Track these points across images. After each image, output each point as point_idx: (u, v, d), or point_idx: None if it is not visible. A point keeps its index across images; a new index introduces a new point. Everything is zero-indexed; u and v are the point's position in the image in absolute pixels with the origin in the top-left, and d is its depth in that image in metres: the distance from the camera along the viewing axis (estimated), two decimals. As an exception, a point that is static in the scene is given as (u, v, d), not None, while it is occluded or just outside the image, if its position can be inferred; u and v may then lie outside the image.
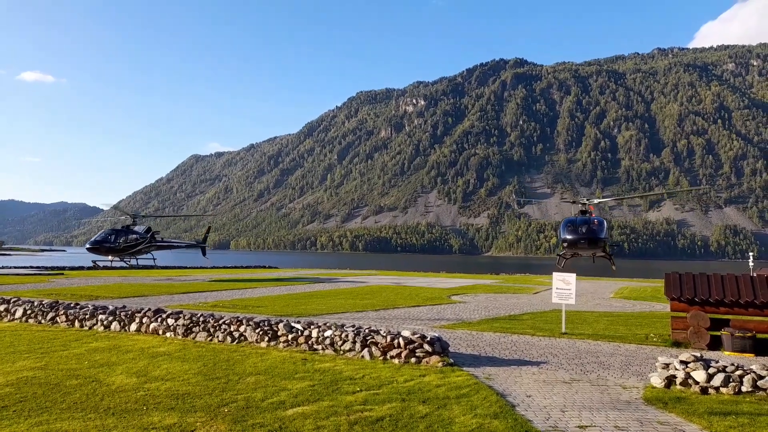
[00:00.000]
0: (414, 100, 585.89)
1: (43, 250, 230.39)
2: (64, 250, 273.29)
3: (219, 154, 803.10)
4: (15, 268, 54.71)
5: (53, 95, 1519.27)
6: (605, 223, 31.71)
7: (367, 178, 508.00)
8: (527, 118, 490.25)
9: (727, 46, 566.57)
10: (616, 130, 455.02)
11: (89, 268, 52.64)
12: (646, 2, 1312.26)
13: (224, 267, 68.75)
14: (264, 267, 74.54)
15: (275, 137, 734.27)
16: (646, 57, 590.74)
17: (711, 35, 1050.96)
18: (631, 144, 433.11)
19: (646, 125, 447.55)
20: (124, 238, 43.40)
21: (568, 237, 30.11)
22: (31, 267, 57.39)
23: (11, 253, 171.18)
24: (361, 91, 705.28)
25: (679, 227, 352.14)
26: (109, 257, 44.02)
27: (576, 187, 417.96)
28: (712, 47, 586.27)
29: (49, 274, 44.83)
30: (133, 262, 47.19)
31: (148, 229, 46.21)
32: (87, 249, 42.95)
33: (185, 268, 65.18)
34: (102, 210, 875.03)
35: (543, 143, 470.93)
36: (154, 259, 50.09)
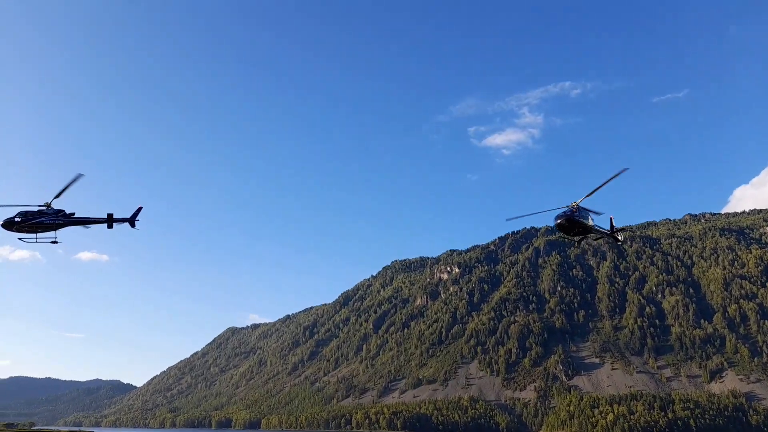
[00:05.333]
0: (448, 268, 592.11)
1: None
2: (92, 431, 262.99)
3: (255, 326, 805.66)
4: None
5: (104, 274, 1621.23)
6: (584, 211, 42.79)
7: (404, 348, 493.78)
8: (565, 284, 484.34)
9: (761, 210, 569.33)
10: (660, 296, 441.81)
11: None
12: (675, 170, 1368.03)
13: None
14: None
15: (311, 307, 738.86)
16: (678, 222, 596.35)
17: (745, 199, 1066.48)
18: (679, 310, 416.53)
19: (691, 290, 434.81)
20: (32, 218, 51.44)
21: (555, 223, 40.14)
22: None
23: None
24: (396, 260, 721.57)
25: (748, 400, 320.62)
26: (23, 234, 52.15)
27: (627, 356, 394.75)
28: (744, 212, 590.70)
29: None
30: (45, 237, 55.11)
31: (59, 211, 53.83)
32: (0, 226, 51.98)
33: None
34: (135, 387, 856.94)
35: (585, 309, 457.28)
36: (55, 238, 56.23)
